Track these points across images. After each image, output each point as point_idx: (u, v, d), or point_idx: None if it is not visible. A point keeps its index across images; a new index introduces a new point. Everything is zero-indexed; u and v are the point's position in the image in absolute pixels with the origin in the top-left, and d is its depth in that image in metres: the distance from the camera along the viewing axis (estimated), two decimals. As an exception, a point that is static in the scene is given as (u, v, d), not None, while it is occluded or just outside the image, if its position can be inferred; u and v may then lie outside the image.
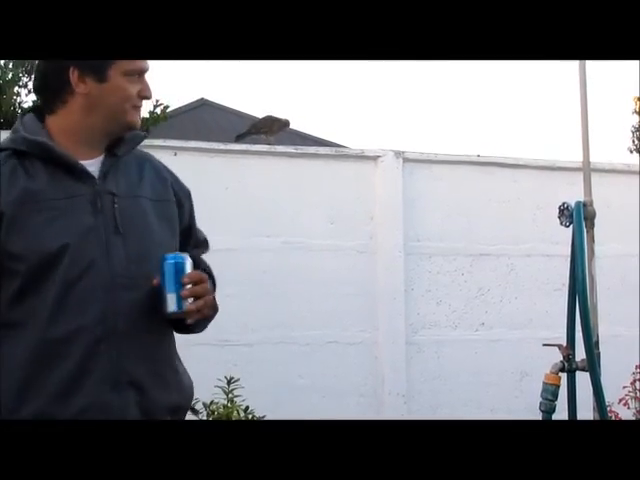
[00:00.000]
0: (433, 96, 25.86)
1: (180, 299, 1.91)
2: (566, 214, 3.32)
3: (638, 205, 5.78)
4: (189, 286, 1.93)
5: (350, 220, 5.37)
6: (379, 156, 5.43)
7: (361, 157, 5.45)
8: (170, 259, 1.93)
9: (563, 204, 3.33)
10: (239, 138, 5.89)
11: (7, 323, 1.84)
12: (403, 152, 5.49)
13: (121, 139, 2.04)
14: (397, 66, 24.77)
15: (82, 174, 1.95)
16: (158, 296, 1.92)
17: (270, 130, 5.82)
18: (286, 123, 5.92)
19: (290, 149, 5.39)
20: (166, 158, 4.88)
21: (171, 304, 1.90)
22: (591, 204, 3.38)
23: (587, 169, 3.53)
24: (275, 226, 5.21)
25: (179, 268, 1.93)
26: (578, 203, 3.30)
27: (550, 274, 5.53)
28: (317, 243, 5.27)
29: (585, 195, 3.41)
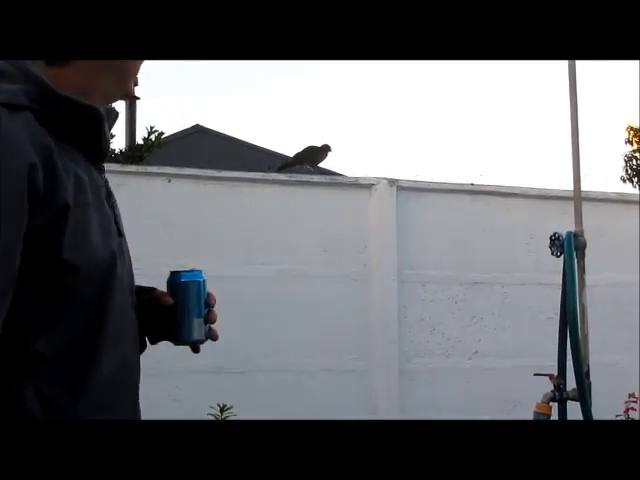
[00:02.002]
0: (428, 125, 25.94)
1: (204, 325, 1.66)
2: (557, 244, 3.42)
3: (631, 234, 5.88)
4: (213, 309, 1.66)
5: (344, 248, 5.44)
6: (373, 184, 5.51)
7: (355, 185, 5.53)
8: (194, 277, 1.65)
9: (554, 234, 3.43)
10: (281, 169, 5.99)
11: (39, 354, 1.35)
12: (397, 180, 5.57)
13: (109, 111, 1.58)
14: (392, 94, 24.93)
15: (101, 157, 1.51)
16: (168, 321, 1.63)
17: (312, 161, 5.90)
18: (326, 149, 5.98)
19: (284, 177, 5.48)
20: (160, 185, 5.07)
21: (198, 331, 1.64)
22: (582, 234, 3.47)
23: (578, 199, 3.61)
24: (269, 254, 5.27)
25: (204, 288, 1.66)
26: (569, 233, 3.40)
27: (543, 303, 5.57)
28: (311, 271, 5.32)
29: (576, 225, 3.50)
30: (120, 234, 1.53)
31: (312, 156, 5.93)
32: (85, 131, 1.44)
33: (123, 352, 1.47)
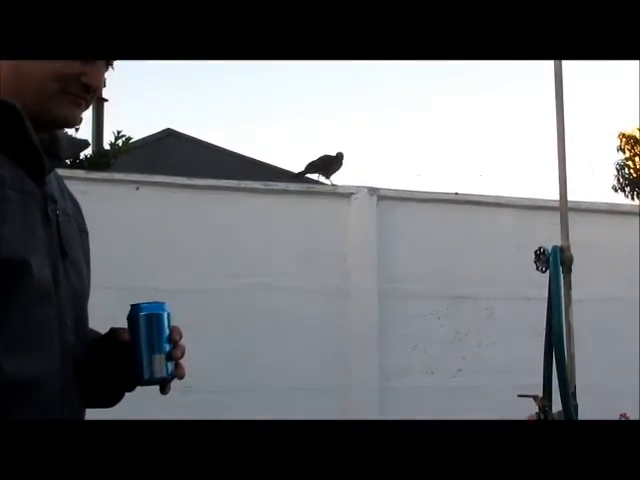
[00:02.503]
0: (409, 131, 26.01)
1: (168, 362, 1.60)
2: (542, 259, 3.46)
3: (622, 246, 5.95)
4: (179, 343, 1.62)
5: (321, 260, 5.45)
6: (352, 193, 5.52)
7: (333, 194, 5.55)
8: (155, 309, 1.60)
9: (539, 249, 3.48)
10: (296, 177, 5.99)
11: None
12: (378, 189, 5.58)
13: (56, 138, 1.62)
14: (374, 100, 24.99)
15: (37, 165, 1.53)
16: (128, 360, 1.59)
17: (327, 170, 5.95)
18: (340, 157, 6.06)
19: (258, 185, 5.46)
20: (127, 193, 5.06)
21: (159, 369, 1.59)
22: (568, 249, 3.51)
23: (564, 211, 3.65)
24: (242, 266, 5.28)
25: (167, 321, 1.61)
26: (555, 248, 3.45)
27: (531, 318, 5.56)
28: (286, 284, 5.33)
29: (562, 239, 3.54)
30: (65, 255, 1.56)
31: (327, 165, 5.98)
32: (6, 133, 1.46)
33: (30, 365, 1.46)
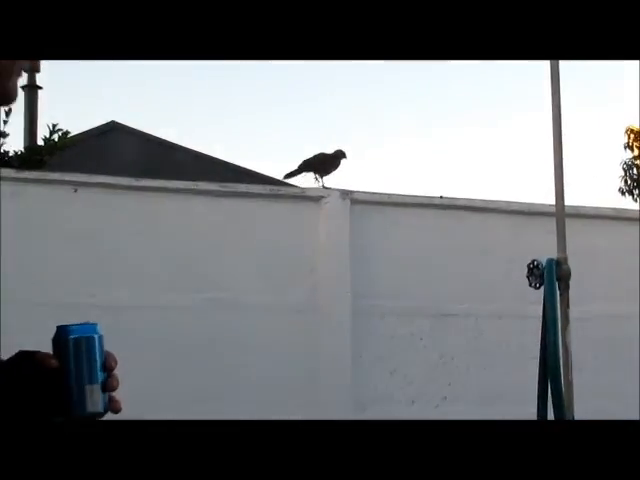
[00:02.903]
0: (388, 126, 26.17)
1: (101, 393, 1.57)
2: (536, 273, 3.46)
3: (630, 257, 5.97)
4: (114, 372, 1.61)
5: (288, 272, 5.43)
6: (322, 196, 5.51)
7: (301, 197, 5.53)
8: (86, 332, 1.58)
9: (532, 262, 3.47)
10: (288, 177, 5.99)
11: None
12: (351, 192, 5.57)
13: None
14: (347, 90, 25.20)
15: None
16: (56, 390, 1.56)
17: (324, 169, 5.94)
18: (340, 155, 6.02)
19: (215, 186, 5.43)
20: (65, 195, 5.02)
21: (92, 401, 1.56)
22: (565, 261, 3.50)
23: (561, 217, 3.65)
24: (197, 279, 5.24)
25: (100, 346, 1.58)
26: (550, 261, 3.44)
27: (526, 339, 5.58)
28: (246, 300, 5.30)
29: (559, 251, 3.53)
30: None
31: (323, 163, 5.94)
32: None
33: None
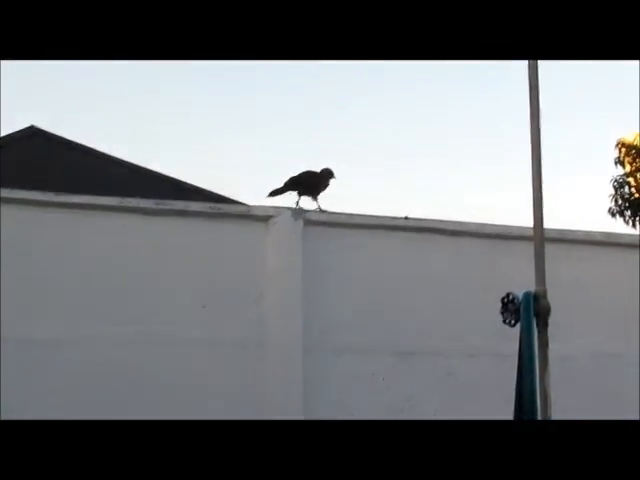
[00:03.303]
0: (346, 137, 26.57)
1: None
2: (511, 309, 3.40)
3: (620, 286, 6.01)
4: None
5: (231, 302, 5.40)
6: (272, 216, 5.48)
7: (247, 217, 5.49)
8: None
9: (507, 296, 3.42)
10: (273, 195, 5.94)
11: None
12: (304, 211, 5.57)
13: None
14: (307, 106, 25.71)
15: None
16: None
17: (314, 189, 5.91)
18: (328, 175, 6.02)
19: (149, 203, 5.39)
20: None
21: None
22: (544, 295, 3.45)
23: (540, 245, 3.62)
24: (126, 309, 5.19)
25: None
26: (526, 295, 3.40)
27: (501, 380, 5.51)
28: (182, 333, 5.25)
29: (537, 283, 3.48)
30: None
31: (315, 183, 5.92)
32: None
33: None
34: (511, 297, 3.43)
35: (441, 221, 5.92)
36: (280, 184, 5.91)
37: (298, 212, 5.53)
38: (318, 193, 5.90)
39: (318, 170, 6.03)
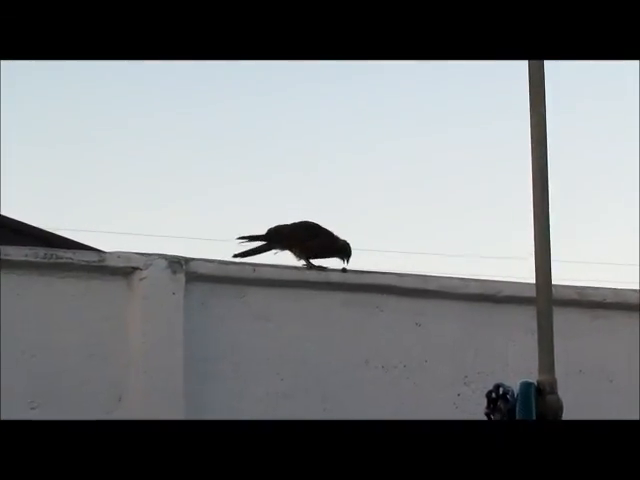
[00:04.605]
0: (245, 167, 28.88)
1: None
2: (502, 408, 3.42)
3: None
4: None
5: (74, 397, 5.38)
6: (136, 268, 5.46)
7: (99, 269, 5.46)
8: None
9: (496, 389, 3.46)
10: (244, 255, 6.04)
11: None
12: (187, 260, 5.55)
13: None
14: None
15: None
16: None
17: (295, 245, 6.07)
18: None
19: None
20: None
21: None
22: (553, 388, 3.47)
23: (546, 311, 3.58)
24: None
25: None
26: (525, 388, 3.42)
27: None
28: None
29: (541, 367, 3.50)
30: None
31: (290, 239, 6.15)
32: None
33: None
34: (502, 391, 3.46)
35: (398, 275, 6.05)
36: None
37: (177, 262, 5.49)
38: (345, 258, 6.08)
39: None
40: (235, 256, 6.06)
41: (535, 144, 4.15)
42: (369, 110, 41.51)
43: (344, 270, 5.92)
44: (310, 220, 6.30)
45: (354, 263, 6.06)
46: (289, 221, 6.23)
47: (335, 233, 6.27)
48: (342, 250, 6.15)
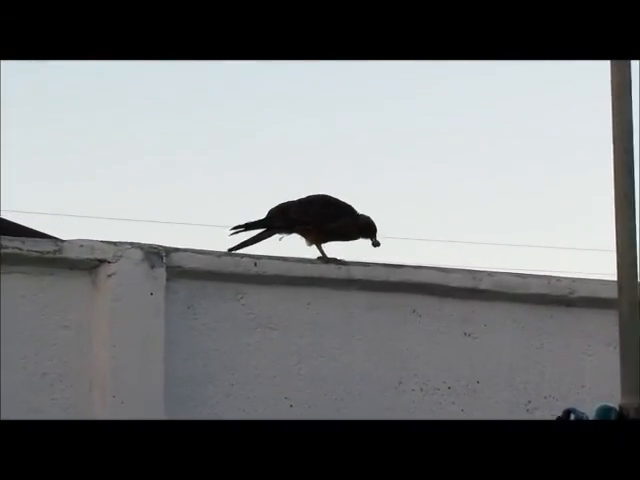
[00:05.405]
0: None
1: None
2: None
3: None
4: None
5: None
6: (104, 260, 5.44)
7: (56, 262, 5.45)
8: None
9: (566, 414, 3.46)
10: (239, 247, 6.08)
11: None
12: (167, 251, 5.57)
13: None
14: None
15: None
16: None
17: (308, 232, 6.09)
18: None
19: None
20: None
21: None
22: (639, 412, 3.45)
23: (630, 314, 3.56)
24: None
25: None
26: (605, 411, 3.41)
27: None
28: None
29: (623, 390, 3.46)
30: None
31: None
32: None
33: None
34: (573, 418, 3.47)
35: (441, 271, 6.01)
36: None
37: (155, 253, 5.47)
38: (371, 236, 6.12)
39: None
40: (231, 250, 6.06)
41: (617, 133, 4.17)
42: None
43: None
44: (323, 193, 6.27)
45: (382, 256, 6.06)
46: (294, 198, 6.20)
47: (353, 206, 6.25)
48: (366, 229, 6.15)
